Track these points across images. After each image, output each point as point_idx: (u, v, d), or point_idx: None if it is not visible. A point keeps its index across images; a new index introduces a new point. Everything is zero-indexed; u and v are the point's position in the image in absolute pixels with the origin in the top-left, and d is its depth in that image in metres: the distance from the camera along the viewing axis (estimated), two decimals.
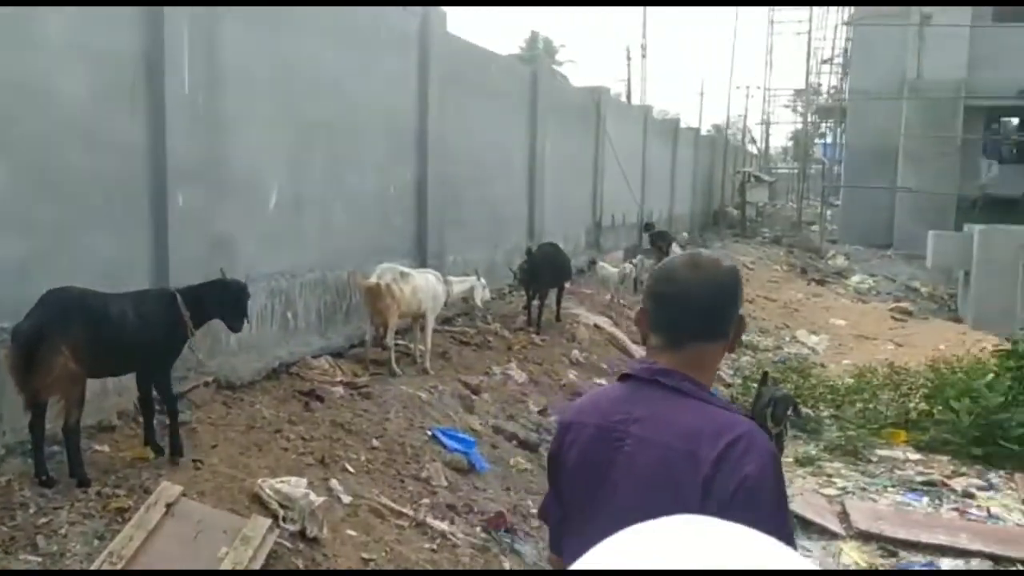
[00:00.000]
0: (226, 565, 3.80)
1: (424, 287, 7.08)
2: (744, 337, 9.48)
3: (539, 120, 12.23)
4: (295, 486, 4.56)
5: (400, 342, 7.91)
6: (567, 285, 10.44)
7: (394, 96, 8.30)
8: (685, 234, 22.84)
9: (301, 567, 4.20)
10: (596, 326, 10.26)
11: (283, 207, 6.66)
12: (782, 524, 1.78)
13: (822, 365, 11.89)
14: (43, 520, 3.87)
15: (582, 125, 14.92)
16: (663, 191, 21.93)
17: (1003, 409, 8.07)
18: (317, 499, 4.46)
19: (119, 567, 3.55)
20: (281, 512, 4.41)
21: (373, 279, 6.69)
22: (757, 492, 1.73)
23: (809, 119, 33.92)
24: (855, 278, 21.85)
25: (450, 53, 9.27)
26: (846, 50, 27.90)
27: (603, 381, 8.95)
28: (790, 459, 7.95)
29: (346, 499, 4.91)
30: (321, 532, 4.44)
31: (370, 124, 7.86)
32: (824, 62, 29.94)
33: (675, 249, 18.85)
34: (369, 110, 7.82)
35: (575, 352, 9.19)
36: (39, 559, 3.60)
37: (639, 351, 10.06)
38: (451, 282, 7.58)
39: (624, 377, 2.00)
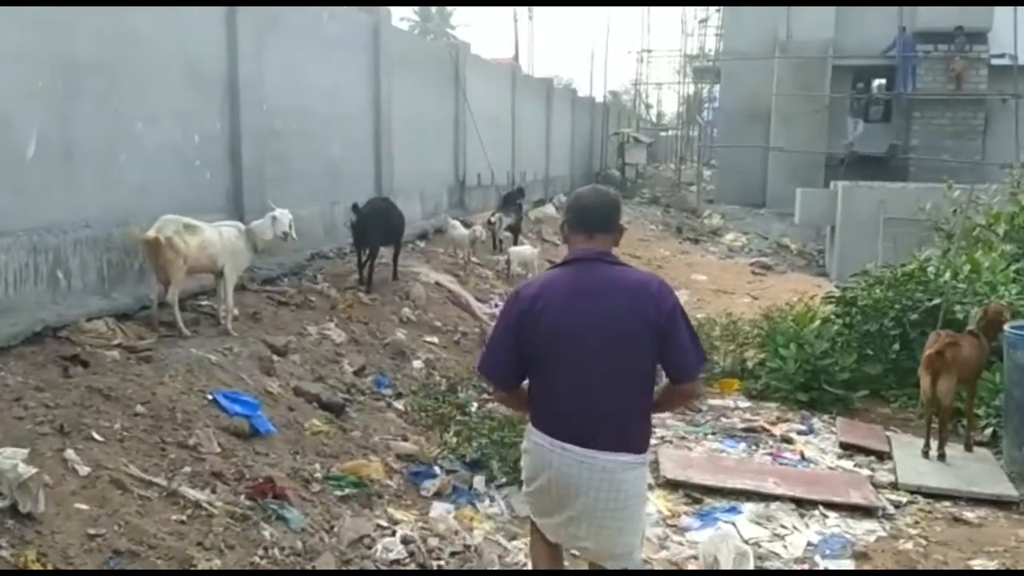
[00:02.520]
0: None
1: (216, 241, 6.55)
2: None
3: (383, 73, 11.70)
4: (9, 457, 4.06)
5: (205, 302, 7.40)
6: (403, 242, 10.02)
7: (195, 41, 7.67)
8: (562, 196, 22.72)
9: (3, 545, 3.71)
10: (437, 284, 9.91)
11: (46, 155, 6.02)
12: (693, 330, 3.35)
13: None
14: None
15: (439, 81, 14.45)
16: (538, 152, 21.67)
17: (828, 355, 8.10)
18: (28, 470, 3.96)
19: None
20: None
21: (152, 232, 6.14)
22: (677, 312, 3.29)
23: (683, 81, 34.21)
24: (729, 236, 22.19)
25: None
26: (719, 11, 28.11)
27: (434, 339, 8.64)
28: None
29: (84, 470, 4.43)
30: (36, 507, 3.96)
31: (162, 68, 7.22)
32: (701, 22, 30.15)
33: (547, 211, 18.71)
34: (161, 53, 7.18)
35: (406, 311, 8.82)
36: None
37: (483, 309, 9.78)
38: (252, 231, 6.97)
39: (568, 262, 3.40)
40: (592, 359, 3.24)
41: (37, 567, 3.63)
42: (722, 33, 27.36)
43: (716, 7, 28.67)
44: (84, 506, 4.19)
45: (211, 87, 7.97)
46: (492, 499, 5.69)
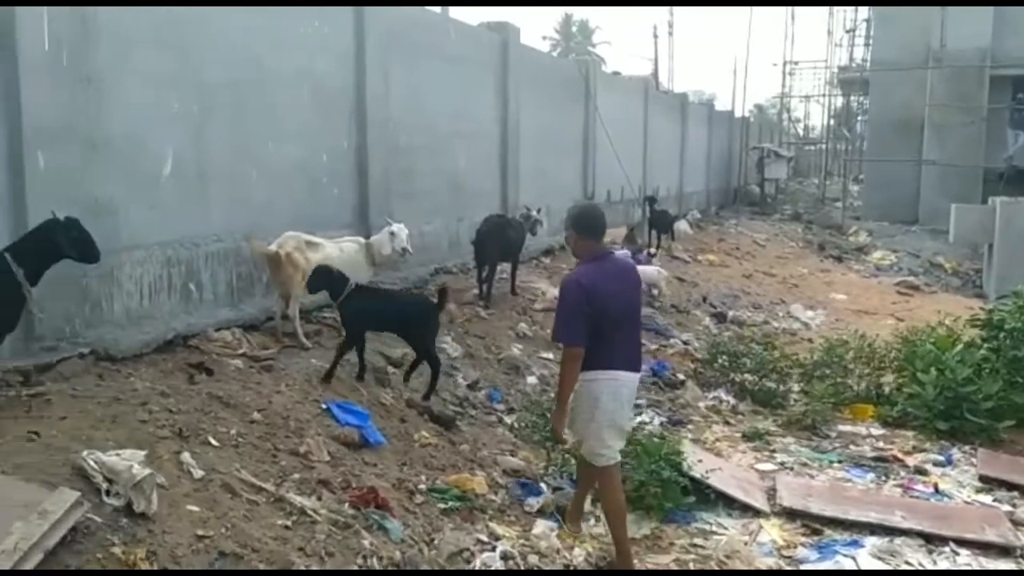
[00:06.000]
0: (12, 540, 3.52)
1: (335, 257, 6.75)
2: (731, 312, 9.10)
3: (510, 89, 11.81)
4: (127, 459, 4.27)
5: (328, 314, 7.63)
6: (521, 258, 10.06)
7: (322, 62, 7.97)
8: (697, 212, 22.26)
9: (116, 543, 3.90)
10: (555, 299, 9.84)
11: (181, 173, 6.38)
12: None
13: (810, 340, 11.35)
14: None
15: (568, 97, 14.46)
16: (671, 167, 21.33)
17: (971, 382, 7.51)
18: (142, 471, 4.15)
19: None
20: (105, 486, 4.13)
21: (273, 247, 6.38)
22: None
23: (831, 93, 32.85)
24: (876, 254, 21.10)
25: (395, 18, 8.92)
26: (868, 20, 26.90)
27: (549, 355, 8.59)
28: (737, 433, 7.52)
29: (198, 473, 4.61)
30: (150, 507, 4.14)
31: (290, 89, 7.54)
32: (848, 31, 28.92)
33: (680, 227, 18.36)
34: (289, 74, 7.50)
35: (523, 326, 8.82)
36: None
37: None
38: (371, 245, 7.14)
39: (598, 258, 4.91)
40: (625, 315, 4.91)
41: (145, 566, 3.78)
42: (871, 43, 26.14)
43: (865, 18, 27.41)
44: (195, 508, 4.35)
45: (338, 106, 8.25)
46: (597, 518, 5.57)
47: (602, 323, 4.73)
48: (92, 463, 4.19)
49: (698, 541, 5.44)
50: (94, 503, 3.97)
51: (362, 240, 7.24)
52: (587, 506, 5.66)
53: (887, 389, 8.43)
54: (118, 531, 3.98)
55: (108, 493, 4.10)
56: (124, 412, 4.97)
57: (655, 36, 41.69)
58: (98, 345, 5.62)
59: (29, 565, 3.47)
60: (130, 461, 4.24)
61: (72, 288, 5.54)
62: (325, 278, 6.19)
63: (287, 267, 6.36)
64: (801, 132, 44.61)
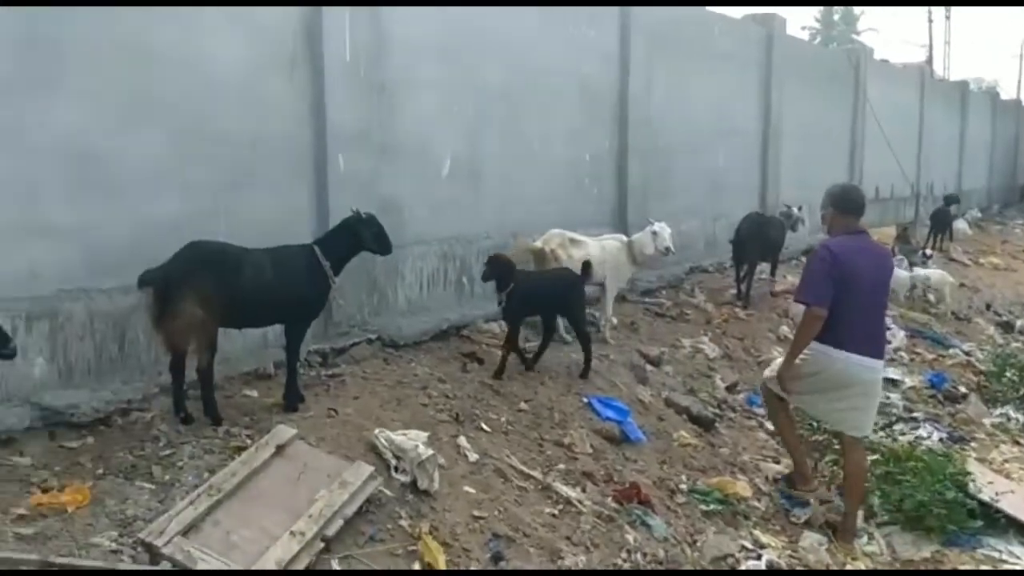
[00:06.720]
0: (319, 506, 3.92)
1: (597, 255, 6.86)
2: (1020, 322, 8.30)
3: (774, 84, 11.43)
4: (412, 439, 4.62)
5: (587, 311, 7.77)
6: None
7: (589, 64, 8.14)
8: (977, 211, 20.35)
9: (403, 516, 4.23)
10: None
11: (458, 174, 6.78)
12: None
13: None
14: (167, 453, 4.23)
15: (835, 89, 13.73)
16: (948, 162, 19.63)
17: None
18: (426, 451, 4.47)
19: (216, 499, 3.78)
20: (394, 462, 4.49)
21: (538, 243, 6.61)
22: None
23: None
24: None
25: (658, 17, 8.92)
26: None
27: None
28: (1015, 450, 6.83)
29: (473, 457, 4.89)
30: (432, 485, 4.45)
31: (559, 90, 7.77)
32: None
33: (959, 226, 16.85)
34: (557, 76, 7.74)
35: (784, 328, 8.50)
36: (151, 487, 3.94)
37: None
38: (633, 244, 7.17)
39: (851, 234, 5.07)
40: (870, 295, 5.01)
41: (429, 540, 4.07)
42: None
43: None
44: (471, 489, 4.62)
45: (602, 107, 8.39)
46: (871, 536, 5.28)
47: (847, 295, 4.88)
48: (383, 441, 4.58)
49: (986, 567, 5.01)
50: (384, 478, 4.34)
51: (624, 238, 7.31)
52: (860, 522, 5.38)
53: None
54: (405, 505, 4.31)
55: (396, 469, 4.47)
56: (407, 395, 5.38)
57: (930, 20, 38.42)
58: (384, 332, 6.10)
59: (331, 531, 3.85)
60: (415, 441, 4.58)
61: (363, 279, 6.06)
62: (497, 266, 5.89)
63: (550, 262, 6.56)
64: None
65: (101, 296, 4.70)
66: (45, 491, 3.82)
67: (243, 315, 4.66)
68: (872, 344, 5.04)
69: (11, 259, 4.37)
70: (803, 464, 5.64)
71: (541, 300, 6.13)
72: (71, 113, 4.53)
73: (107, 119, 4.67)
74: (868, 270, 4.96)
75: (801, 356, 5.10)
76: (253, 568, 3.47)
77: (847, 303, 4.87)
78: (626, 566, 4.46)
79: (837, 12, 59.91)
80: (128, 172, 4.79)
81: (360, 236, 5.01)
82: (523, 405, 5.66)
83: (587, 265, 6.37)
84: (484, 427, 5.25)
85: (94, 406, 4.45)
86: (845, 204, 5.14)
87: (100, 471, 4.06)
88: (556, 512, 4.71)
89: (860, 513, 5.42)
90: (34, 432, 4.26)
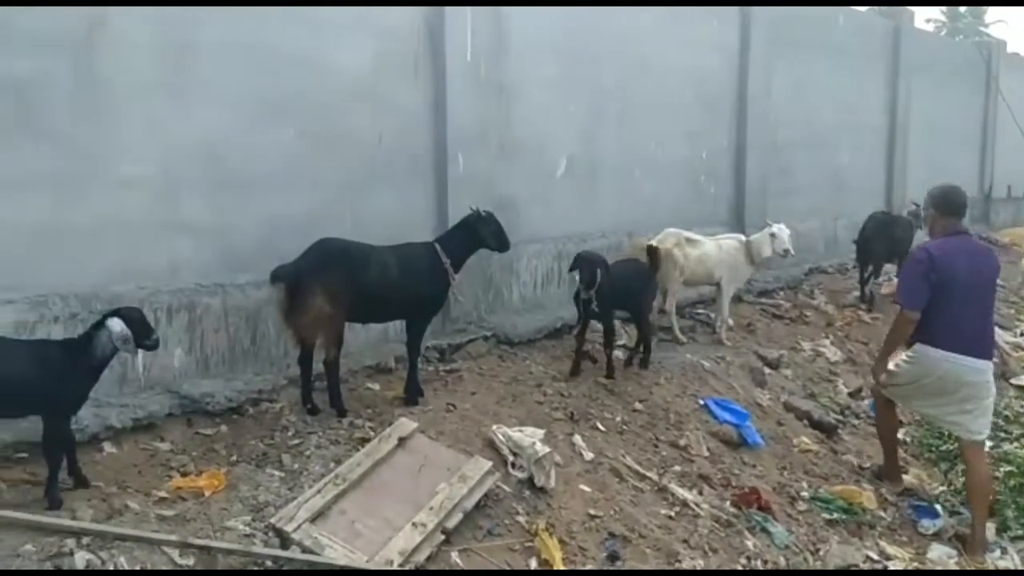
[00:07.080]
0: (439, 499, 3.99)
1: (714, 255, 6.74)
2: None
3: (900, 77, 10.98)
4: (529, 435, 4.65)
5: (702, 311, 7.67)
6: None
7: (706, 60, 8.01)
8: None
9: (520, 512, 4.27)
10: None
11: (573, 173, 6.79)
12: None
13: None
14: (295, 442, 4.39)
15: (965, 83, 13.09)
16: None
17: None
18: (543, 449, 4.50)
19: (342, 488, 3.90)
20: (511, 458, 4.53)
21: (654, 242, 6.54)
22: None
23: None
24: None
25: (780, 13, 8.71)
26: None
27: None
28: None
29: (588, 455, 4.89)
30: (548, 482, 4.46)
31: (675, 88, 7.69)
32: None
33: None
34: (674, 74, 7.65)
35: None
36: (281, 474, 4.10)
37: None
38: (752, 244, 6.99)
39: (952, 235, 5.02)
40: (975, 293, 4.94)
41: (545, 536, 4.10)
42: None
43: None
44: (586, 488, 4.62)
45: (720, 104, 8.25)
46: (1003, 550, 5.02)
47: (948, 297, 4.86)
48: (501, 436, 4.63)
49: None
50: (501, 473, 4.38)
51: (742, 238, 7.15)
52: (992, 536, 5.12)
53: None
54: (522, 501, 4.35)
55: (513, 465, 4.50)
56: (523, 392, 5.42)
57: None
58: (499, 329, 6.17)
59: (451, 523, 3.91)
60: (532, 438, 4.61)
61: (479, 277, 6.14)
62: (588, 263, 5.57)
63: (666, 262, 6.48)
64: None
65: (235, 290, 4.92)
66: (184, 475, 4.02)
67: (368, 311, 4.80)
68: (977, 345, 4.97)
69: (154, 254, 4.62)
70: (894, 462, 5.68)
71: (618, 295, 5.82)
72: (206, 115, 4.75)
73: (240, 120, 4.88)
74: (969, 271, 4.92)
75: (908, 359, 5.17)
76: (377, 556, 3.56)
77: (948, 304, 4.87)
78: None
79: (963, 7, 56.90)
80: (259, 171, 5.00)
81: (479, 234, 5.09)
82: (638, 405, 5.62)
83: (653, 251, 6.19)
84: (599, 426, 5.24)
85: (227, 396, 4.65)
86: (946, 205, 5.12)
87: (233, 458, 4.25)
88: (672, 514, 4.67)
89: (992, 526, 5.17)
90: (173, 419, 4.48)
